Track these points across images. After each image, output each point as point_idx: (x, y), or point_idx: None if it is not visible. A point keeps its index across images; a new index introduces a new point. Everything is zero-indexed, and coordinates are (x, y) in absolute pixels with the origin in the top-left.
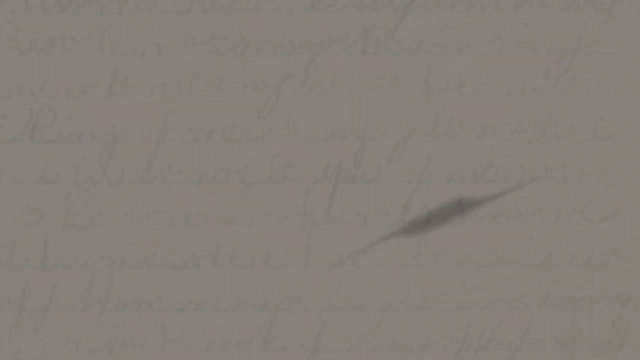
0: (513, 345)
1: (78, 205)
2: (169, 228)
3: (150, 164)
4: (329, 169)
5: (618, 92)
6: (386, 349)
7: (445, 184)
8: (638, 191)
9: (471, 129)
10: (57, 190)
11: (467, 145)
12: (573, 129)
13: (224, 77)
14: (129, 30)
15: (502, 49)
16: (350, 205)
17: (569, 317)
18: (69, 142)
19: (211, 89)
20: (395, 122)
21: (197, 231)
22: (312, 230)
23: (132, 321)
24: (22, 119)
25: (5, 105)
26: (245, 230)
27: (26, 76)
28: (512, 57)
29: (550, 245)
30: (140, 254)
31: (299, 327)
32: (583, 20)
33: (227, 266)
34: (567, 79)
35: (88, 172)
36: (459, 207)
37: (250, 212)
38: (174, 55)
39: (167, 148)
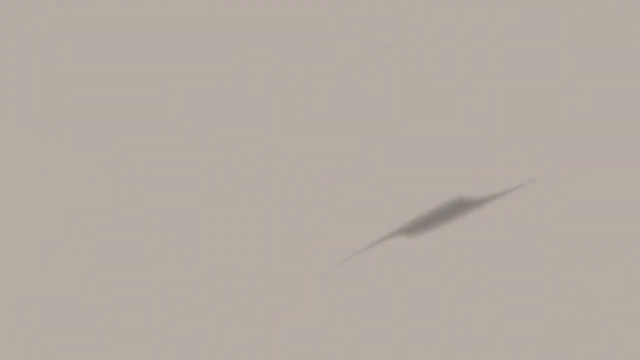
0: (513, 345)
1: (78, 205)
2: (169, 228)
3: (150, 164)
4: (329, 169)
5: (618, 93)
6: (386, 349)
7: (445, 184)
8: (638, 191)
9: (471, 129)
10: (57, 190)
11: (466, 145)
12: (573, 129)
13: (224, 77)
14: (129, 30)
15: (502, 49)
16: (350, 205)
17: (569, 317)
18: (69, 142)
19: (211, 89)
20: (395, 122)
21: (197, 231)
22: (312, 230)
23: (132, 321)
24: (22, 119)
25: (5, 105)
26: (245, 230)
27: (26, 76)
28: (512, 57)
29: (550, 245)
30: (140, 254)
31: (299, 327)
32: (583, 20)
33: (227, 266)
34: (567, 78)
35: (88, 172)
36: (459, 207)
37: (250, 212)
38: (174, 55)
39: (167, 148)
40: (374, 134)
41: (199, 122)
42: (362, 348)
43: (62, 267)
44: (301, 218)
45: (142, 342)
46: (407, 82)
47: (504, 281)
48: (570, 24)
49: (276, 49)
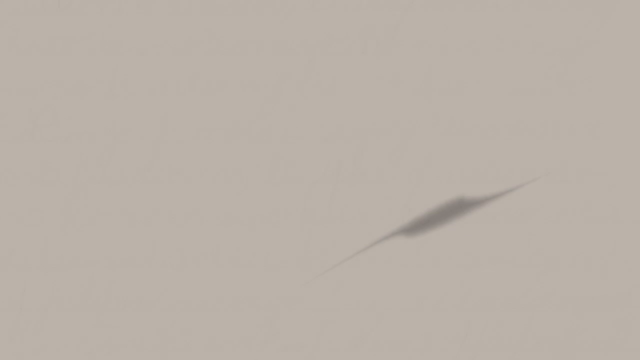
0: (513, 345)
1: (78, 205)
2: (169, 228)
3: (151, 164)
4: (329, 169)
5: (618, 92)
6: (386, 349)
7: (445, 184)
8: (638, 191)
9: (471, 129)
10: (57, 190)
11: (467, 145)
12: (573, 129)
13: (224, 77)
14: (129, 30)
15: (502, 49)
16: (350, 205)
17: (569, 317)
18: (69, 142)
19: (211, 89)
20: (395, 122)
21: (197, 231)
22: (312, 230)
23: (132, 321)
24: (22, 119)
25: (5, 105)
26: (245, 230)
27: (26, 76)
28: (512, 57)
29: (550, 245)
30: (140, 254)
31: (299, 327)
32: (583, 20)
33: (227, 266)
34: (567, 79)
35: (88, 172)
36: (459, 207)
37: (250, 212)
38: (174, 55)
39: (167, 148)
40: (374, 134)
41: (199, 122)
42: (362, 347)
43: (61, 267)
44: (301, 218)
45: (142, 342)
46: (407, 82)
47: (504, 281)
48: (571, 23)
49: (276, 48)
